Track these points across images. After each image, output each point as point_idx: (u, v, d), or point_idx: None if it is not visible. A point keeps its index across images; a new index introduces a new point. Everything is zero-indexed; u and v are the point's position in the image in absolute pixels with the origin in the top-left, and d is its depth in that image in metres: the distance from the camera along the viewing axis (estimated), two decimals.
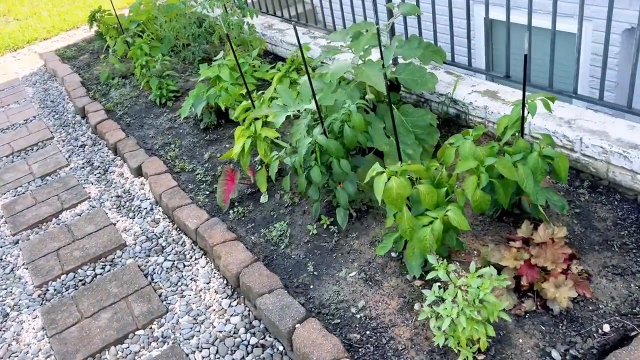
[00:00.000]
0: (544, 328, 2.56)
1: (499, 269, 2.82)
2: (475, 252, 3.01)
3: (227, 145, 4.82)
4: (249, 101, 4.04)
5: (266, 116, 3.96)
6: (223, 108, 4.72)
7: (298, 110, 3.44)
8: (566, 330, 2.53)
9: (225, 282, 3.47)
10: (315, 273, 3.24)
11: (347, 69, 3.27)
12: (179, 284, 3.54)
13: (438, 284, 2.46)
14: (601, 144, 3.19)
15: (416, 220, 2.61)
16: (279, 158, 3.40)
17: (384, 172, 2.59)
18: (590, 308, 2.61)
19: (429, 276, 2.47)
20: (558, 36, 3.67)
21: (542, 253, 2.71)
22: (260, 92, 4.15)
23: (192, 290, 3.48)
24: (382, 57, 3.67)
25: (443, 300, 2.43)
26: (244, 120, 3.95)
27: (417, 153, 3.60)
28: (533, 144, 2.94)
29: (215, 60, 5.10)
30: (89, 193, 4.76)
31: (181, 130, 5.30)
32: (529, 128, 3.59)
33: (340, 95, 3.37)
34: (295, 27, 2.92)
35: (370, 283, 3.07)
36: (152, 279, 3.63)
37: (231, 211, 3.95)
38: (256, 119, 3.88)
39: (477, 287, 2.33)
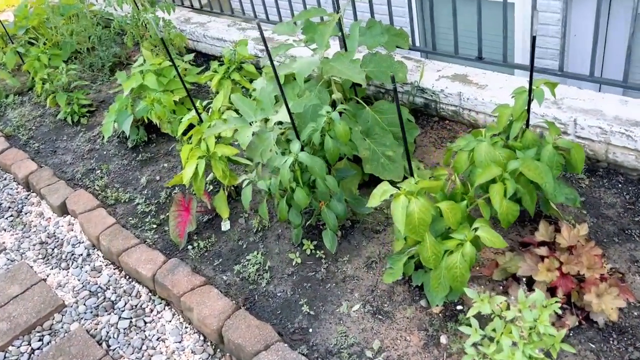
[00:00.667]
0: (594, 346, 2.27)
1: (529, 282, 2.50)
2: (487, 262, 2.67)
3: (166, 165, 4.16)
4: (193, 113, 3.42)
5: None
6: (157, 123, 4.03)
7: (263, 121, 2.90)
8: (619, 345, 2.25)
9: (201, 337, 2.90)
10: (311, 312, 2.76)
11: (315, 66, 2.78)
12: (144, 347, 2.92)
13: (465, 313, 2.07)
14: (599, 124, 2.95)
15: (441, 245, 2.20)
16: (251, 182, 2.85)
17: (399, 193, 2.15)
18: (636, 314, 2.35)
19: (471, 312, 2.07)
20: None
21: (573, 259, 2.40)
22: (207, 102, 3.54)
23: (162, 354, 2.87)
24: (345, 49, 3.21)
25: (491, 339, 2.05)
26: (185, 135, 3.35)
27: (399, 154, 3.19)
28: (542, 135, 2.63)
29: (130, 65, 4.37)
30: (3, 243, 3.92)
31: (105, 152, 4.54)
32: None
33: (310, 100, 2.86)
34: (259, 24, 2.37)
35: (380, 316, 2.64)
36: (109, 346, 2.98)
37: (190, 247, 3.35)
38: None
39: (534, 320, 1.97)
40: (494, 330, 2.05)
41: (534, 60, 2.40)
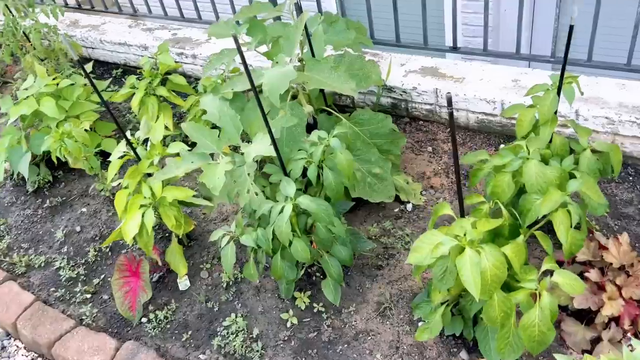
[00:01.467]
0: None
1: (578, 314, 2.13)
2: None
3: (84, 210, 3.33)
4: (123, 147, 2.67)
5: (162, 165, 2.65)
6: (70, 161, 3.18)
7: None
8: None
9: None
10: None
11: (291, 78, 2.17)
12: None
13: None
14: (605, 114, 2.65)
15: (510, 300, 1.75)
16: (232, 239, 2.20)
17: (460, 245, 1.65)
18: None
19: None
20: None
21: (632, 281, 2.07)
22: (139, 132, 2.78)
23: None
24: (312, 53, 2.63)
25: None
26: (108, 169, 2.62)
27: (387, 171, 2.70)
28: (570, 140, 2.25)
29: (9, 84, 3.46)
30: None
31: None
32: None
33: (287, 120, 2.25)
34: (236, 37, 1.72)
35: None
36: None
37: (145, 319, 2.63)
38: (148, 174, 2.57)
39: None
40: None
41: (568, 51, 2.00)
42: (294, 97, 2.71)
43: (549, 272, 1.77)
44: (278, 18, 3.30)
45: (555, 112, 2.18)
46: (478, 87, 3.01)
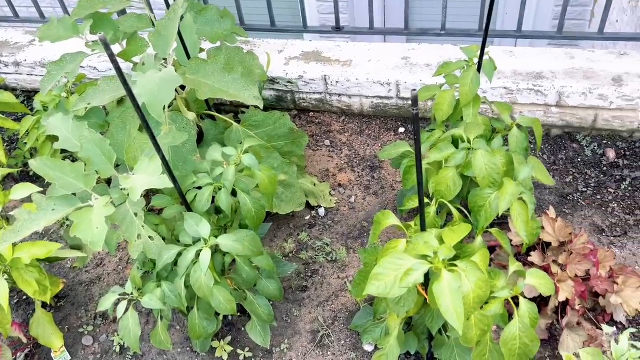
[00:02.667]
0: None
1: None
2: None
3: None
4: None
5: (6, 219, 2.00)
6: None
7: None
8: None
9: None
10: None
11: (177, 83, 1.68)
12: None
13: None
14: (503, 84, 2.57)
15: (486, 316, 1.52)
16: (132, 303, 1.68)
17: (436, 267, 1.37)
18: None
19: None
20: None
21: (575, 258, 1.99)
22: None
23: None
24: (186, 51, 2.16)
25: None
26: None
27: (293, 176, 2.35)
28: (491, 118, 2.10)
29: None
30: None
31: None
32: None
33: (175, 137, 1.77)
34: (106, 41, 1.21)
35: None
36: None
37: None
38: None
39: None
40: None
41: (490, 26, 1.80)
42: (169, 104, 2.21)
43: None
44: (123, 12, 2.72)
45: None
46: (369, 69, 2.76)
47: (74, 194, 1.71)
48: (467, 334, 1.53)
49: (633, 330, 1.65)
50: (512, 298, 1.55)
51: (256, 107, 1.98)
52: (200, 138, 2.31)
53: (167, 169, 1.58)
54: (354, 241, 2.39)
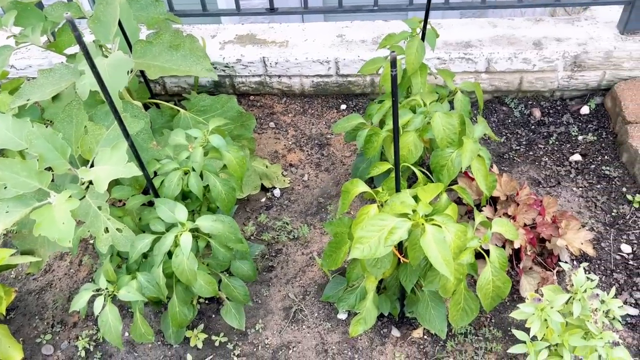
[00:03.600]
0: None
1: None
2: None
3: None
4: None
5: None
6: None
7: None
8: (600, 274, 2.15)
9: None
10: None
11: (129, 66, 1.60)
12: None
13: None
14: (436, 55, 2.70)
15: (461, 264, 1.61)
16: (109, 297, 1.60)
17: (417, 222, 1.44)
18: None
19: (531, 323, 1.61)
20: None
21: (523, 208, 2.15)
22: None
23: None
24: (126, 39, 2.09)
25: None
26: None
27: (245, 158, 2.33)
28: (436, 85, 2.21)
29: None
30: None
31: None
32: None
33: (133, 126, 1.71)
34: (72, 21, 1.14)
35: None
36: None
37: None
38: None
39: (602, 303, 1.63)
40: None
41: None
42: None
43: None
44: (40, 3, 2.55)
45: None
46: (307, 49, 2.79)
47: (27, 193, 1.62)
48: (445, 284, 1.62)
49: (585, 264, 1.83)
50: (481, 247, 1.66)
51: (179, 91, 1.95)
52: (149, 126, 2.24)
53: (136, 155, 1.53)
54: (312, 217, 2.42)
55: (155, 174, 1.75)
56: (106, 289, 1.59)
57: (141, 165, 1.54)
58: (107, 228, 1.64)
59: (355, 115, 2.14)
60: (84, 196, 1.69)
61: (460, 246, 1.47)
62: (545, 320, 1.63)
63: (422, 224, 1.43)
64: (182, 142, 1.67)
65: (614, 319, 1.69)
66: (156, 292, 1.59)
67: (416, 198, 1.54)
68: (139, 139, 1.91)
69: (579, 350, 1.64)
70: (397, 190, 1.55)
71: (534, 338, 1.72)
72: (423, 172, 1.83)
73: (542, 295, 1.75)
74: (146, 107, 2.35)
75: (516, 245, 2.03)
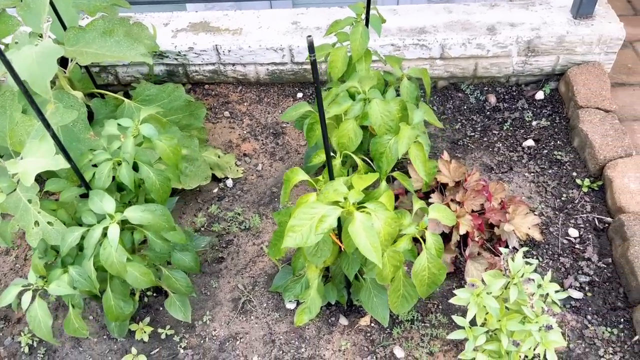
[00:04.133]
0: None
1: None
2: None
3: None
4: None
5: None
6: None
7: None
8: (547, 259, 2.16)
9: None
10: None
11: (58, 54, 1.56)
12: None
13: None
14: (390, 41, 2.67)
15: (397, 252, 1.61)
16: (36, 291, 1.57)
17: (348, 210, 1.43)
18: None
19: (470, 313, 1.61)
20: None
21: (471, 194, 2.15)
22: None
23: None
24: (63, 26, 2.03)
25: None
26: None
27: (195, 149, 2.31)
28: (382, 71, 2.19)
29: None
30: None
31: None
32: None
33: (63, 115, 1.67)
34: None
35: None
36: None
37: None
38: None
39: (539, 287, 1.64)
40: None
41: None
42: (52, 83, 2.06)
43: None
44: None
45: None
46: (261, 36, 2.75)
47: None
48: (381, 272, 1.61)
49: (525, 249, 1.83)
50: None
51: (131, 81, 1.91)
52: (91, 118, 2.19)
53: (61, 148, 1.49)
54: (265, 207, 2.40)
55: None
56: (35, 283, 1.55)
57: (68, 157, 1.50)
58: (37, 222, 1.60)
59: (304, 103, 2.11)
60: (15, 189, 1.65)
61: (392, 233, 1.46)
62: (485, 306, 1.63)
63: (352, 212, 1.41)
64: (114, 132, 1.63)
65: (553, 302, 1.70)
66: (89, 286, 1.56)
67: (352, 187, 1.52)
68: (75, 129, 1.86)
69: (517, 334, 1.64)
70: (331, 178, 1.53)
71: (475, 323, 1.73)
72: (366, 161, 1.82)
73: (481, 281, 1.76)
74: (93, 97, 2.30)
75: (462, 231, 2.03)
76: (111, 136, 1.64)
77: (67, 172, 1.82)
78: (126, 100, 2.20)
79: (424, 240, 1.64)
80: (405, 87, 2.06)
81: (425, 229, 1.65)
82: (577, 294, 2.01)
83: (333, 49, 2.08)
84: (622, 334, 1.91)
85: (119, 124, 1.61)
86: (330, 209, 1.42)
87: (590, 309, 1.98)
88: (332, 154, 1.79)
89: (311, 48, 1.19)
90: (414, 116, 1.76)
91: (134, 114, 2.17)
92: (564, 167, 2.43)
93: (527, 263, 1.75)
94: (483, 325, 1.70)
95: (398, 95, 2.08)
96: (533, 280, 1.61)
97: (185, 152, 2.28)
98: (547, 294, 1.68)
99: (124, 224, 1.63)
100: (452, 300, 1.66)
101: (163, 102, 2.28)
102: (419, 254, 1.66)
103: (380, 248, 1.43)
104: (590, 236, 2.17)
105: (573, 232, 2.19)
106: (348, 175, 1.83)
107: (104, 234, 1.49)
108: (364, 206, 1.45)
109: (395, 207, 2.29)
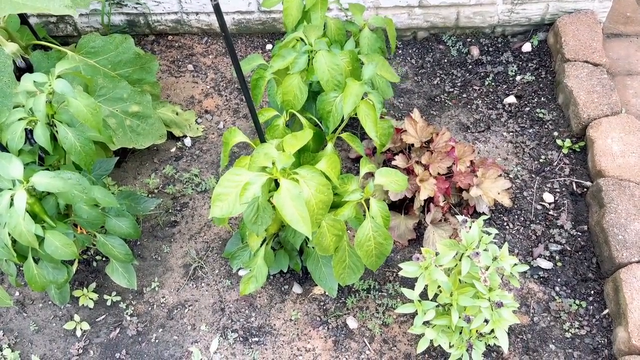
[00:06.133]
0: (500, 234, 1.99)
1: (396, 205, 2.02)
2: None
3: None
4: None
5: None
6: None
7: None
8: (518, 225, 2.02)
9: None
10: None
11: None
12: None
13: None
14: None
15: (338, 220, 1.47)
16: None
17: (270, 178, 1.29)
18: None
19: (421, 283, 1.49)
20: None
21: (437, 156, 1.99)
22: None
23: None
24: None
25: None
26: None
27: (148, 106, 2.16)
28: (344, 21, 2.00)
29: None
30: None
31: None
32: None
33: None
34: None
35: (258, 338, 1.85)
36: None
37: None
38: None
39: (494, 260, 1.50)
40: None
41: None
42: None
43: (369, 175, 1.54)
44: None
45: None
46: None
47: None
48: (322, 242, 1.49)
49: (486, 217, 1.68)
50: (365, 200, 1.51)
51: (119, 32, 1.74)
52: (31, 71, 2.04)
53: None
54: (225, 169, 2.27)
55: None
56: None
57: None
58: None
59: (256, 55, 1.93)
60: None
61: (325, 201, 1.33)
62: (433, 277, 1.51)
63: (278, 178, 1.27)
64: (31, 88, 1.49)
65: (511, 276, 1.57)
66: (7, 255, 1.46)
67: None
68: (1, 83, 1.72)
69: (470, 309, 1.52)
70: (261, 140, 1.39)
71: (428, 297, 1.61)
72: (313, 121, 1.66)
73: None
74: (34, 49, 2.14)
75: (423, 196, 1.88)
76: (29, 92, 1.50)
77: None
78: (69, 52, 2.05)
79: (368, 208, 1.50)
80: (365, 38, 1.88)
81: (373, 195, 1.51)
82: (546, 264, 1.88)
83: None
84: (592, 307, 1.79)
85: (34, 81, 1.47)
86: (254, 176, 1.28)
87: (559, 280, 1.85)
88: (275, 112, 1.64)
89: None
90: (365, 70, 1.58)
91: (77, 68, 2.02)
92: (546, 127, 2.25)
93: (485, 232, 1.61)
94: (435, 299, 1.58)
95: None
96: (486, 251, 1.47)
97: (136, 108, 2.13)
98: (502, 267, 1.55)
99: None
100: (401, 273, 1.54)
101: (110, 54, 2.12)
102: None
103: (311, 218, 1.29)
104: (566, 202, 2.02)
105: (548, 197, 2.04)
106: None
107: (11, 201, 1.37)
108: (294, 172, 1.31)
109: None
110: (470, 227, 1.52)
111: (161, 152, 2.33)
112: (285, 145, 1.37)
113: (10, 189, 1.41)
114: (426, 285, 1.50)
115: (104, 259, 2.04)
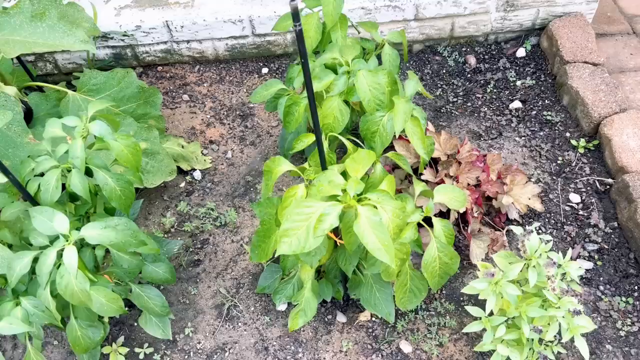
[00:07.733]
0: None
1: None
2: None
3: None
4: None
5: None
6: None
7: None
8: (552, 228, 2.02)
9: None
10: None
11: None
12: None
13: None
14: (360, 4, 2.44)
15: (404, 243, 1.42)
16: None
17: (349, 205, 1.22)
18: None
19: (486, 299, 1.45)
20: None
21: (465, 167, 1.97)
22: None
23: None
24: None
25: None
26: None
27: (156, 142, 2.04)
28: (360, 38, 1.96)
29: None
30: None
31: None
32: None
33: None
34: None
35: None
36: None
37: None
38: None
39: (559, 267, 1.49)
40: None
41: None
42: None
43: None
44: None
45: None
46: (216, 8, 2.46)
47: None
48: (387, 268, 1.42)
49: (537, 224, 1.68)
50: (424, 219, 1.47)
51: (72, 69, 1.62)
52: (30, 117, 1.89)
53: (2, 168, 1.21)
54: (241, 199, 2.17)
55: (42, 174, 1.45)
56: None
57: (3, 168, 1.23)
58: None
59: (275, 80, 1.86)
60: None
61: (400, 225, 1.27)
62: (501, 292, 1.47)
63: (355, 207, 1.21)
64: (59, 134, 1.36)
65: (571, 281, 1.56)
66: (48, 318, 1.32)
67: (346, 174, 1.31)
68: (11, 133, 1.57)
69: (537, 320, 1.50)
70: (323, 167, 1.32)
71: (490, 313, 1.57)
72: (353, 141, 1.60)
73: (490, 260, 1.59)
74: (28, 92, 1.99)
75: (461, 209, 1.85)
76: (56, 138, 1.37)
77: (5, 185, 1.53)
78: (70, 92, 1.91)
79: (431, 227, 1.45)
80: (387, 54, 1.85)
81: (432, 214, 1.46)
82: (587, 264, 1.89)
83: (304, 16, 1.83)
84: (638, 302, 1.80)
85: (63, 124, 1.34)
86: (328, 207, 1.21)
87: (601, 279, 1.86)
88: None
89: (296, 16, 0.95)
90: (407, 87, 1.55)
91: (81, 108, 1.89)
92: (556, 128, 2.28)
93: (541, 240, 1.60)
94: (499, 312, 1.54)
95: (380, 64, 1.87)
96: (554, 262, 1.45)
97: (144, 145, 2.01)
98: (565, 273, 1.53)
99: (85, 243, 1.37)
100: (465, 290, 1.49)
101: (113, 90, 1.99)
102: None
103: (392, 245, 1.23)
104: (593, 200, 2.04)
105: (574, 198, 2.06)
106: (338, 162, 1.62)
107: (60, 256, 1.24)
108: (366, 197, 1.25)
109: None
110: (529, 237, 1.50)
111: (170, 188, 2.21)
112: (349, 170, 1.30)
113: (48, 246, 1.28)
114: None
115: (127, 307, 1.89)
